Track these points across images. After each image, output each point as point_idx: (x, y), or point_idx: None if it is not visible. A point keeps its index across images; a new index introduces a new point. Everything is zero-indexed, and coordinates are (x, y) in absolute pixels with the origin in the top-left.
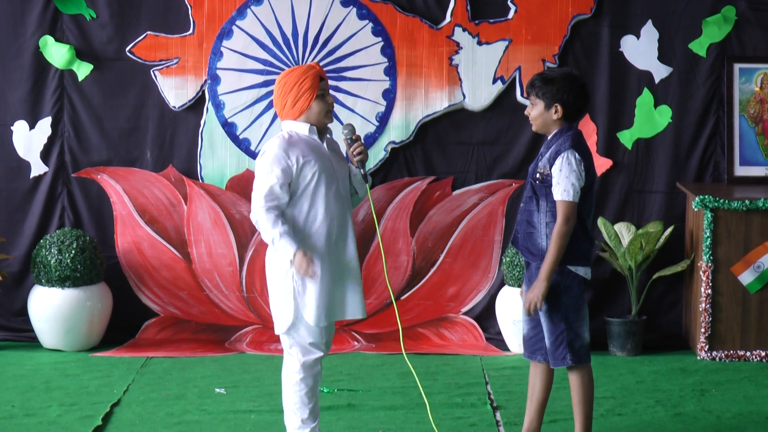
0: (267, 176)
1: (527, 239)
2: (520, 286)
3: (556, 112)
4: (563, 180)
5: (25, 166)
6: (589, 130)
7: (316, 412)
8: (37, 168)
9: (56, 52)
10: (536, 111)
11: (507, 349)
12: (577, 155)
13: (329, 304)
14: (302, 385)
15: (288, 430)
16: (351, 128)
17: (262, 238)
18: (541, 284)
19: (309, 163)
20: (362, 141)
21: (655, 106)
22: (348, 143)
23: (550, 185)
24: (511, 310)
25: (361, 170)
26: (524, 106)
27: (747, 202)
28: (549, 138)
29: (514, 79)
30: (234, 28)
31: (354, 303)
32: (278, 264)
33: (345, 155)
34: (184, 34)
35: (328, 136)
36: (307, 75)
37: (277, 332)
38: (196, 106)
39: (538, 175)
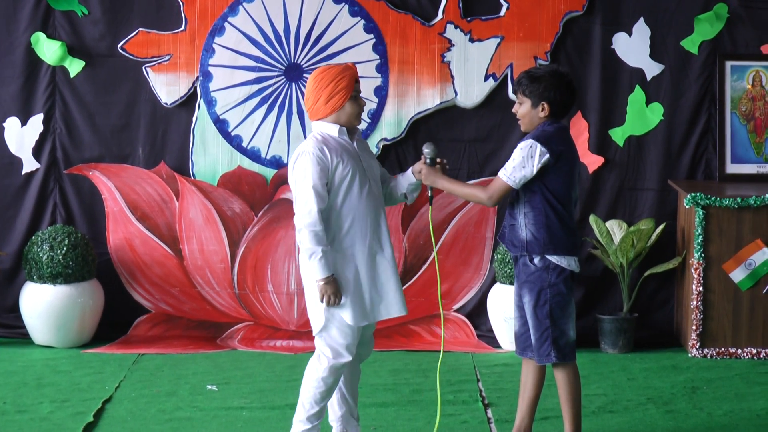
0: (309, 178)
1: (511, 232)
2: (512, 283)
3: (543, 110)
4: (509, 161)
5: (17, 162)
6: (580, 127)
7: (323, 412)
8: (29, 164)
9: (48, 49)
10: (524, 109)
11: (498, 346)
12: (539, 146)
13: (369, 304)
14: (321, 384)
15: (294, 421)
16: (433, 149)
17: (300, 246)
18: (435, 179)
19: (342, 162)
20: (445, 164)
21: (647, 103)
22: (425, 162)
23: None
24: (503, 307)
25: (428, 192)
26: None
27: (738, 199)
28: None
29: (506, 76)
30: (226, 24)
31: (395, 301)
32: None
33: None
34: (176, 30)
35: (358, 136)
36: (345, 74)
37: (313, 332)
38: (188, 102)
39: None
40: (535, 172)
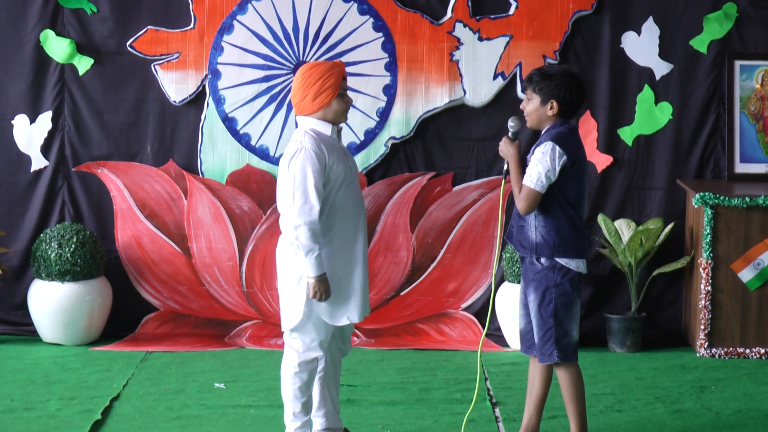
0: (310, 175)
1: (519, 233)
2: (520, 282)
3: (551, 108)
4: (532, 167)
5: (26, 160)
6: (589, 126)
7: (309, 407)
8: (38, 162)
9: (57, 46)
10: (532, 106)
11: (506, 345)
12: (558, 149)
13: (350, 304)
14: (296, 379)
15: (286, 423)
16: (517, 123)
17: (297, 241)
18: (508, 153)
19: (336, 162)
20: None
21: (656, 102)
22: (507, 134)
23: None
24: (511, 306)
25: (504, 166)
26: None
27: (747, 199)
28: (542, 133)
29: (515, 75)
30: (235, 22)
31: (366, 304)
32: (295, 263)
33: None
34: (185, 28)
35: (340, 134)
36: (332, 71)
37: (284, 328)
38: (197, 100)
39: (526, 169)
40: (557, 174)
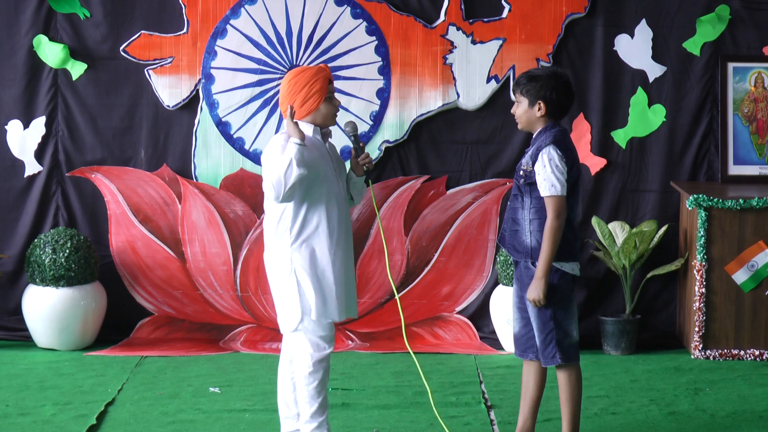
0: (276, 156)
1: (513, 237)
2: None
3: (539, 109)
4: (548, 176)
5: (19, 165)
6: (583, 129)
7: (326, 405)
8: (31, 167)
9: (50, 51)
10: (521, 109)
11: (501, 348)
12: (558, 151)
13: (337, 303)
14: (311, 379)
15: (301, 425)
16: (353, 126)
17: (284, 182)
18: (539, 282)
19: (313, 161)
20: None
21: (649, 105)
22: (352, 142)
23: (534, 182)
24: (506, 309)
25: (365, 178)
26: None
27: (741, 201)
28: (534, 136)
29: (508, 78)
30: (228, 27)
31: (352, 303)
32: (279, 262)
33: (340, 153)
34: (178, 33)
35: (329, 139)
36: (318, 77)
37: (283, 331)
38: (190, 105)
39: (521, 173)
40: (567, 173)
